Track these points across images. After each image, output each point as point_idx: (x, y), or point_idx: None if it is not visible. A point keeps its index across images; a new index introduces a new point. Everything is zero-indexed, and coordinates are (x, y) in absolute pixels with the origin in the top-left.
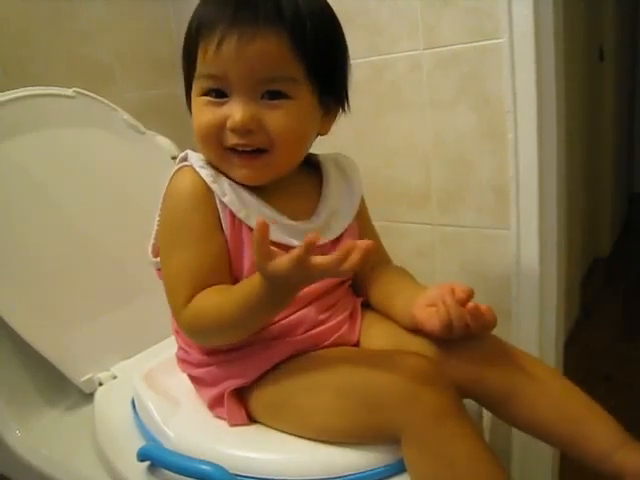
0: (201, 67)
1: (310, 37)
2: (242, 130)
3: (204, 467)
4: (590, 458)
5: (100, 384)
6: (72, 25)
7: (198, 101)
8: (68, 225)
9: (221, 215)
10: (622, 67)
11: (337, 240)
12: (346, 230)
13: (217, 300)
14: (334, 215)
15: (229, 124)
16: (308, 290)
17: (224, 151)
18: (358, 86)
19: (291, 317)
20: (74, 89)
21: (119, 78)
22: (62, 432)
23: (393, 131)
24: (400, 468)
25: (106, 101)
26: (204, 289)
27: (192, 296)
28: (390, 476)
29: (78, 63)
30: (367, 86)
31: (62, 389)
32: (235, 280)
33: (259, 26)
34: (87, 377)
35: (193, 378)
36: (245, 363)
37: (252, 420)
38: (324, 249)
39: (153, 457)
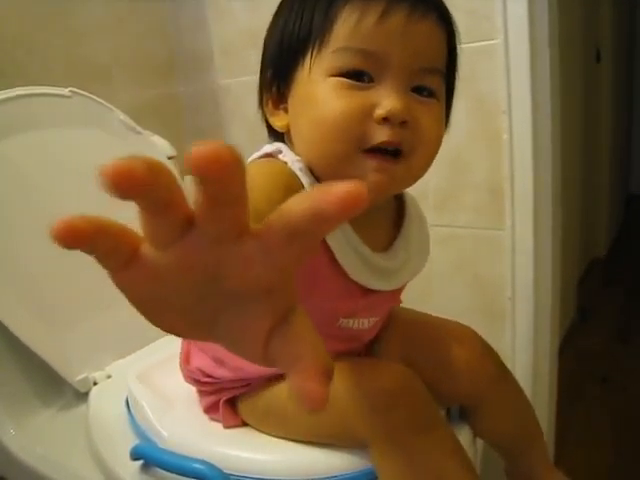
0: (347, 39)
1: (455, 40)
2: (398, 121)
3: (197, 466)
4: (520, 472)
5: (95, 383)
6: (69, 25)
7: (328, 82)
8: None
9: None
10: (619, 68)
11: (394, 292)
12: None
13: None
14: (406, 262)
15: (382, 112)
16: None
17: (357, 152)
18: None
19: None
20: (70, 89)
21: (116, 78)
22: (57, 431)
23: None
24: None
25: (102, 101)
26: None
27: None
28: None
29: (75, 63)
30: None
31: (57, 388)
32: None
33: (429, 6)
34: (82, 376)
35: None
36: (240, 376)
37: (245, 423)
38: (380, 298)
39: (146, 456)
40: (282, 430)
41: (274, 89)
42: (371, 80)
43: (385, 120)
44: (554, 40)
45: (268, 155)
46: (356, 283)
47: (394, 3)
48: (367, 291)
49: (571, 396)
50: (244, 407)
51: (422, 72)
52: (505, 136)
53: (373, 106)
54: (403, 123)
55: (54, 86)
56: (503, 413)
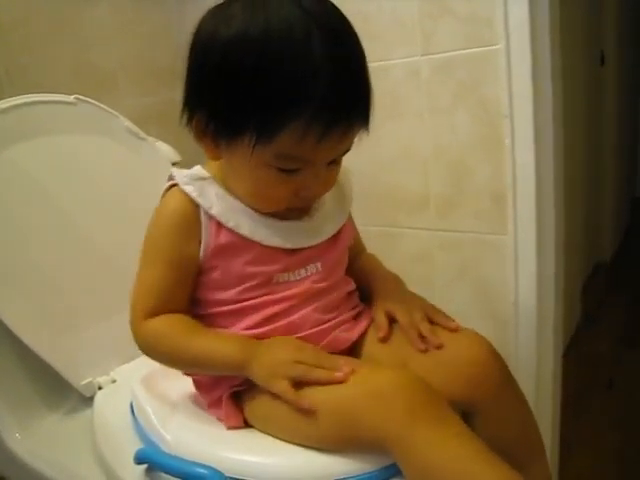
0: (290, 149)
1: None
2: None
3: (201, 470)
4: None
5: (100, 388)
6: (75, 33)
7: (266, 171)
8: (69, 230)
9: (203, 231)
10: (624, 70)
11: (333, 238)
12: (341, 229)
13: (184, 335)
14: (327, 218)
15: (305, 194)
16: (304, 290)
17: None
18: None
19: (293, 317)
20: (75, 96)
21: (121, 85)
22: (62, 435)
23: (391, 137)
24: (392, 472)
25: (107, 108)
26: (165, 312)
27: (151, 313)
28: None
29: (81, 70)
30: None
31: (62, 393)
32: (216, 292)
33: (358, 119)
34: (87, 381)
35: (194, 380)
36: None
37: (248, 425)
38: (320, 248)
39: (150, 460)
40: (286, 434)
41: (210, 127)
42: (300, 169)
43: (308, 199)
44: (556, 45)
45: (170, 179)
46: (274, 247)
47: (332, 127)
48: (291, 250)
49: (576, 402)
50: (248, 408)
51: (338, 157)
52: (507, 141)
53: (299, 189)
54: None
55: (60, 93)
56: (504, 422)
